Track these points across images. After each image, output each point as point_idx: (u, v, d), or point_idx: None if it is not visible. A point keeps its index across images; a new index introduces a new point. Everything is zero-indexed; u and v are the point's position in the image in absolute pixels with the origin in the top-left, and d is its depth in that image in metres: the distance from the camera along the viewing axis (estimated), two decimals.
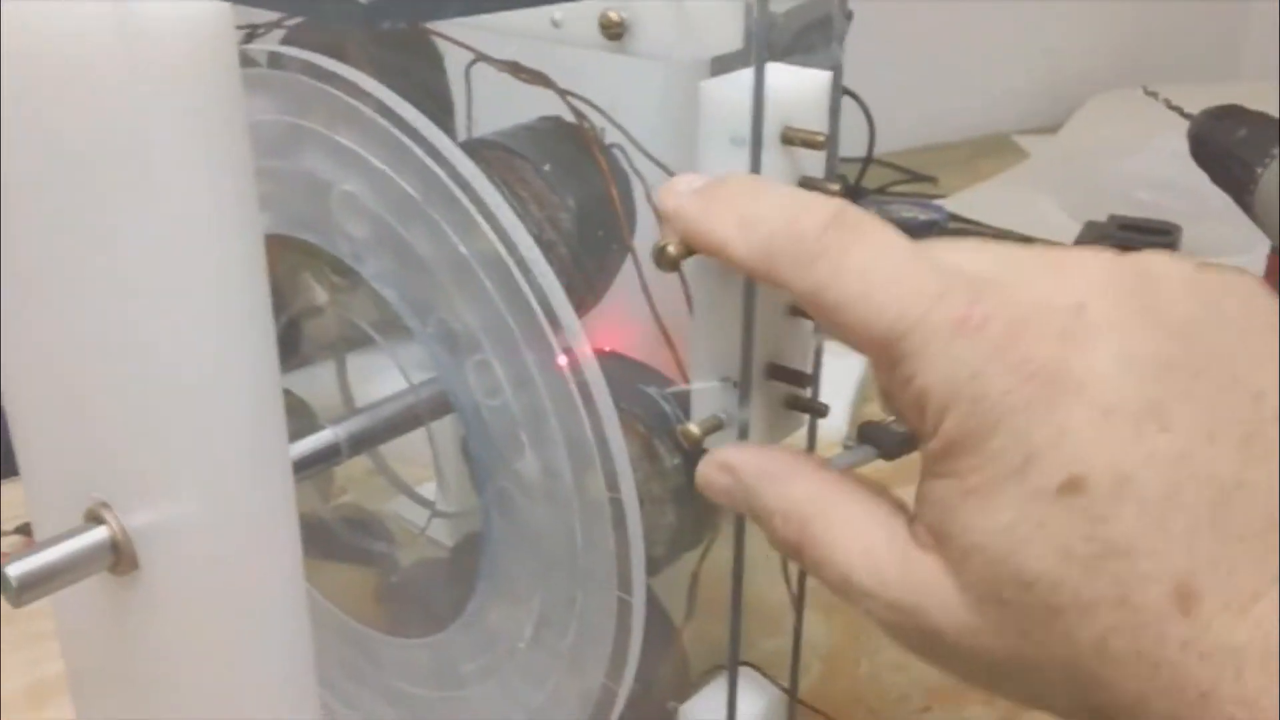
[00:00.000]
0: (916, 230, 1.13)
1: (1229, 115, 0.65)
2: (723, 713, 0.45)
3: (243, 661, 0.37)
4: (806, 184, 0.37)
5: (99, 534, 0.36)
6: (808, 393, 0.40)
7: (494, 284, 0.39)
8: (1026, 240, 1.10)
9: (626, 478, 0.39)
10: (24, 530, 0.76)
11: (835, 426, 0.57)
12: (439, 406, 0.46)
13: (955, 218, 1.20)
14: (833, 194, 0.35)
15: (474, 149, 0.45)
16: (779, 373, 0.39)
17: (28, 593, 0.34)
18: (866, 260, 0.31)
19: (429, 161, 0.39)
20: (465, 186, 0.39)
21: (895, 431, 0.67)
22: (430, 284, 0.41)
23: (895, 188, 1.25)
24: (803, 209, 0.32)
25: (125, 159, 0.30)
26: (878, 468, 0.50)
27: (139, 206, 0.31)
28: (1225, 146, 0.65)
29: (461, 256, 0.40)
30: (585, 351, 0.39)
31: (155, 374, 0.33)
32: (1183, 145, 0.82)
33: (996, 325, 0.29)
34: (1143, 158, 1.21)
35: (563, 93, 0.45)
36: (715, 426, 0.39)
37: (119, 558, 0.36)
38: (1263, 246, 0.92)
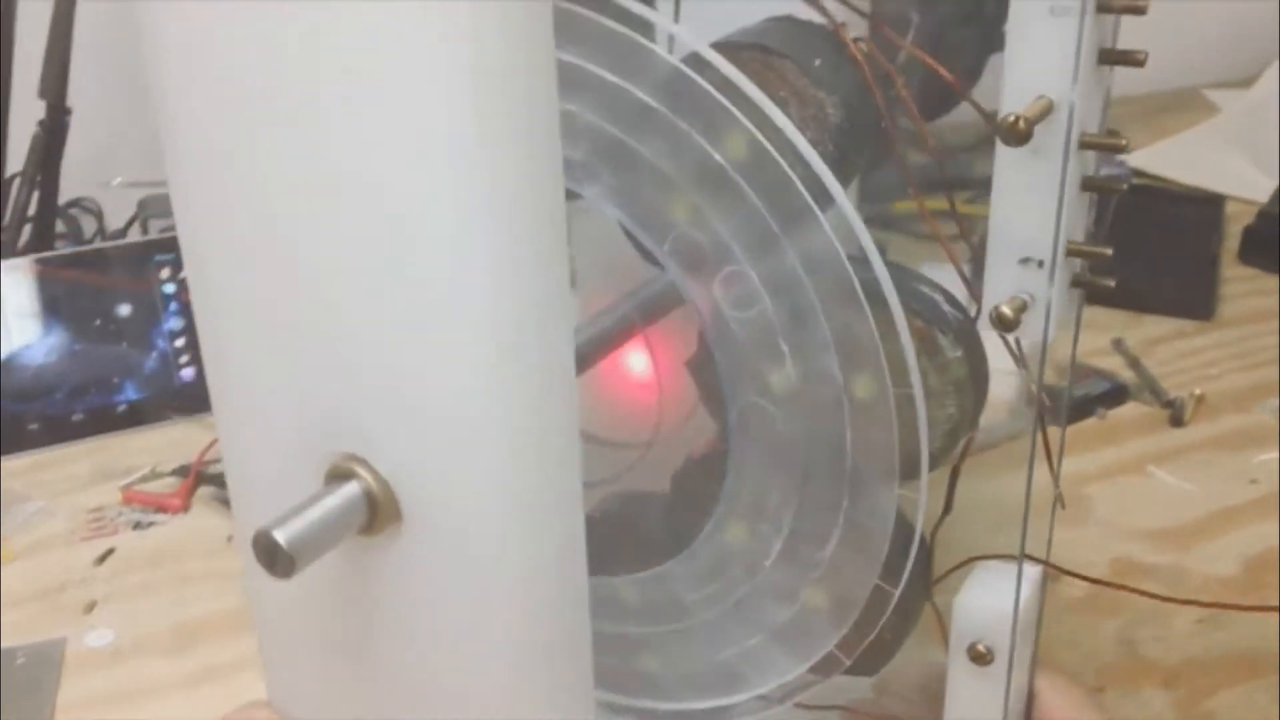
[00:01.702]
0: (1098, 184, 1.09)
1: None
2: (992, 600, 0.43)
3: (517, 634, 0.34)
4: (1088, 184, 0.39)
5: (352, 490, 0.33)
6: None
7: (757, 188, 0.39)
8: (1218, 198, 1.07)
9: (914, 370, 0.39)
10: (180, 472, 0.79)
11: (1005, 391, 0.55)
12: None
13: (1140, 173, 1.15)
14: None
15: (727, 51, 0.43)
16: (1075, 250, 0.39)
17: (302, 558, 0.31)
18: None
19: (682, 67, 0.38)
20: (724, 89, 0.38)
21: (1071, 397, 0.61)
22: (668, 199, 0.40)
23: None
24: None
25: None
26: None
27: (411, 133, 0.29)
28: None
29: (714, 164, 0.39)
30: (868, 243, 0.39)
31: (429, 311, 0.31)
32: None
33: None
34: None
35: None
36: (1023, 307, 0.39)
37: (375, 514, 0.33)
38: None
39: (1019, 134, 0.36)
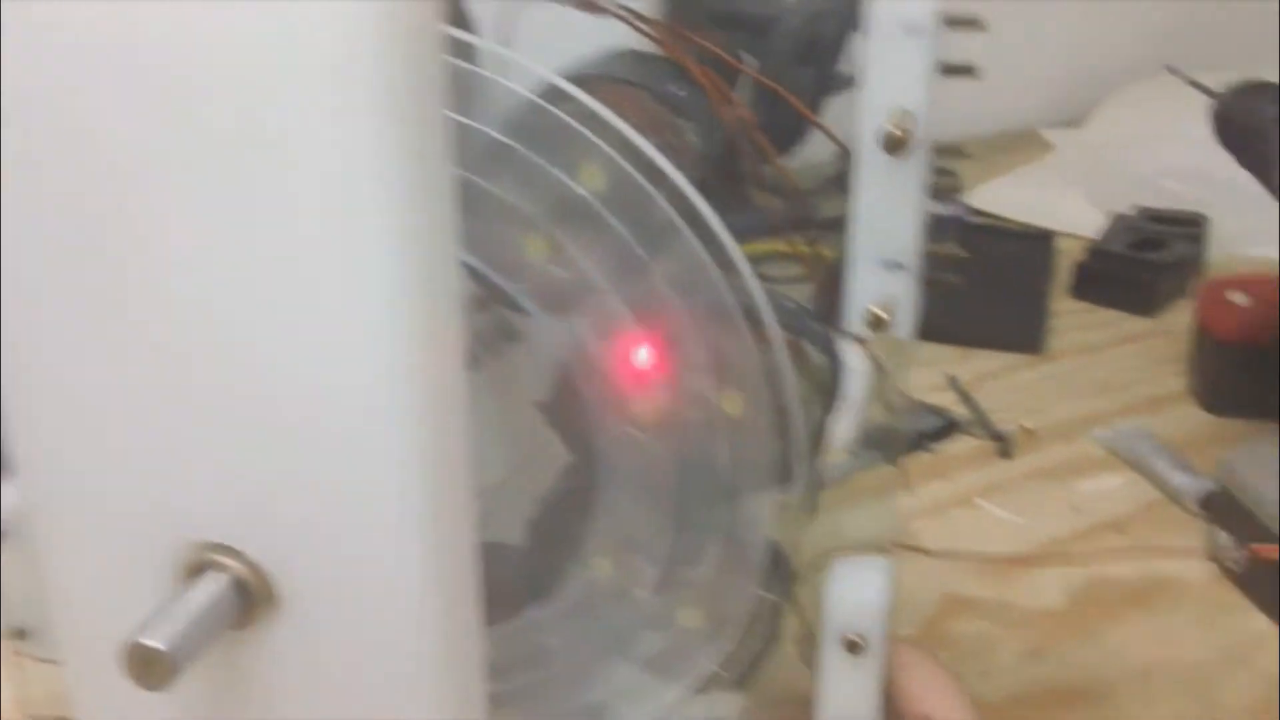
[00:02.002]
0: (935, 226, 1.11)
1: (1256, 92, 0.62)
2: (860, 592, 0.45)
3: (427, 704, 0.32)
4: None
5: (218, 580, 0.29)
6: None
7: (621, 216, 0.39)
8: (1048, 234, 1.09)
9: (789, 379, 0.41)
10: None
11: (842, 432, 0.56)
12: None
13: (977, 212, 1.17)
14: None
15: (577, 83, 0.42)
16: (930, 251, 0.43)
17: (183, 660, 0.28)
18: None
19: (535, 99, 0.38)
20: (578, 120, 0.38)
21: (899, 433, 0.65)
22: (525, 238, 0.40)
23: None
24: None
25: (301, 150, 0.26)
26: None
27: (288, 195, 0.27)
28: (1252, 125, 0.62)
29: (574, 197, 0.39)
30: (738, 257, 0.40)
31: (307, 378, 0.28)
32: (1211, 133, 0.80)
33: None
34: (1171, 147, 1.19)
35: (636, 17, 0.44)
36: (890, 307, 0.42)
37: (249, 604, 0.30)
38: None
39: (899, 142, 0.40)
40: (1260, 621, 0.67)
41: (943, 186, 0.43)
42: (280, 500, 0.29)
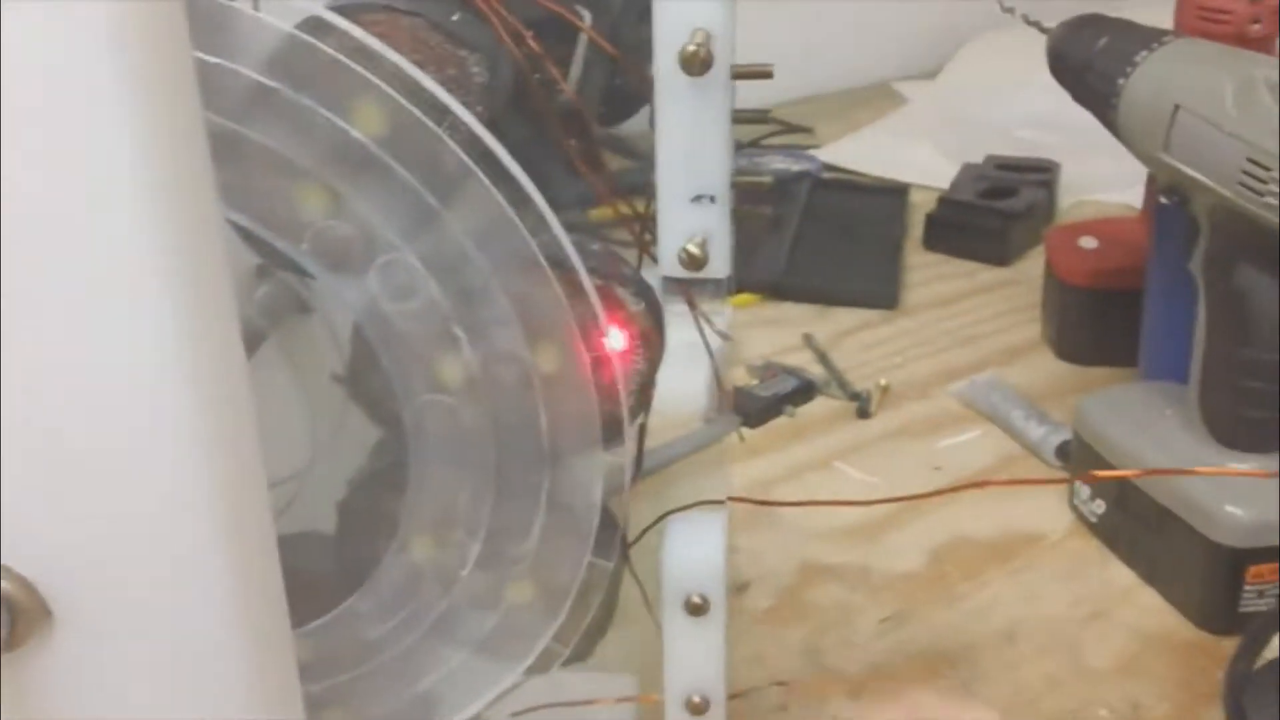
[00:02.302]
0: (789, 181, 1.08)
1: (1088, 24, 0.60)
2: (699, 550, 0.44)
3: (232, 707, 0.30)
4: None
5: None
6: None
7: (406, 161, 0.36)
8: (902, 188, 1.07)
9: (607, 330, 0.39)
10: None
11: (696, 399, 0.53)
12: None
13: (830, 167, 1.15)
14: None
15: (346, 14, 0.39)
16: (737, 182, 0.41)
17: None
18: None
19: (297, 33, 0.35)
20: (350, 57, 0.35)
21: (759, 397, 0.62)
22: (300, 190, 0.37)
23: (770, 140, 1.20)
24: None
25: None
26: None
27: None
28: (1085, 58, 0.60)
29: (352, 142, 0.36)
30: (539, 200, 0.37)
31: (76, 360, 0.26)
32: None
33: None
34: (1022, 96, 1.18)
35: None
36: (704, 242, 0.40)
37: (16, 621, 0.28)
38: (1143, 182, 0.88)
39: (701, 61, 0.37)
40: (1121, 573, 0.66)
41: (754, 74, 0.40)
42: (51, 510, 0.27)
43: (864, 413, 0.81)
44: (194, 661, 0.29)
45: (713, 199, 0.39)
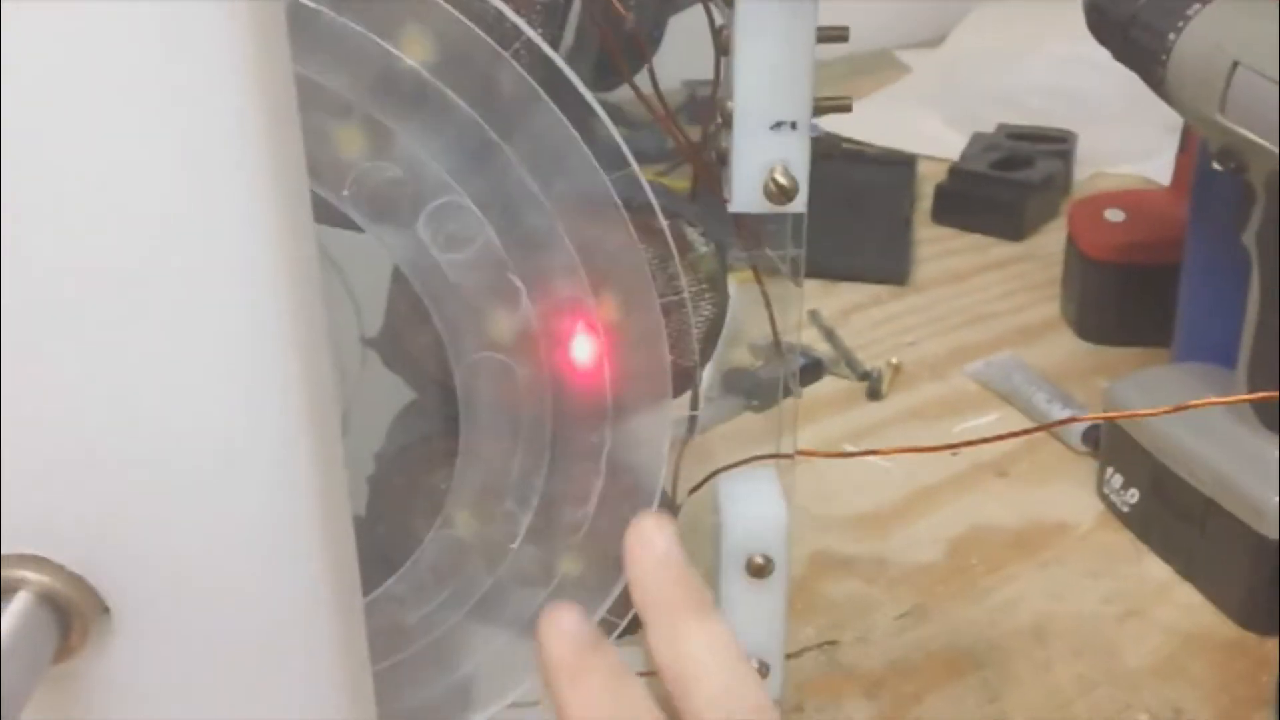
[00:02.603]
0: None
1: None
2: (761, 508, 0.42)
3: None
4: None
5: (23, 604, 0.25)
6: None
7: (462, 90, 0.33)
8: (909, 159, 1.03)
9: (676, 272, 0.37)
10: None
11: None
12: None
13: (834, 137, 1.10)
14: None
15: None
16: (819, 106, 0.38)
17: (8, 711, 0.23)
18: None
19: None
20: None
21: (763, 378, 0.57)
22: (340, 128, 0.34)
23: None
24: None
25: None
26: (752, 421, 0.46)
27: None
28: (1130, 11, 0.55)
29: (401, 70, 0.32)
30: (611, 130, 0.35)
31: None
32: (1075, 48, 0.73)
33: None
34: (1032, 63, 1.13)
35: None
36: (788, 175, 0.37)
37: (70, 622, 0.25)
38: (1168, 151, 0.84)
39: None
40: (1156, 567, 0.62)
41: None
42: (115, 489, 0.25)
43: (875, 393, 0.76)
44: (275, 657, 0.28)
45: (794, 125, 0.37)
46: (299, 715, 0.28)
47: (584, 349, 0.37)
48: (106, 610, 0.26)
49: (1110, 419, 0.63)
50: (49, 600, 0.25)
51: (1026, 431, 0.52)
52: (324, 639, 0.28)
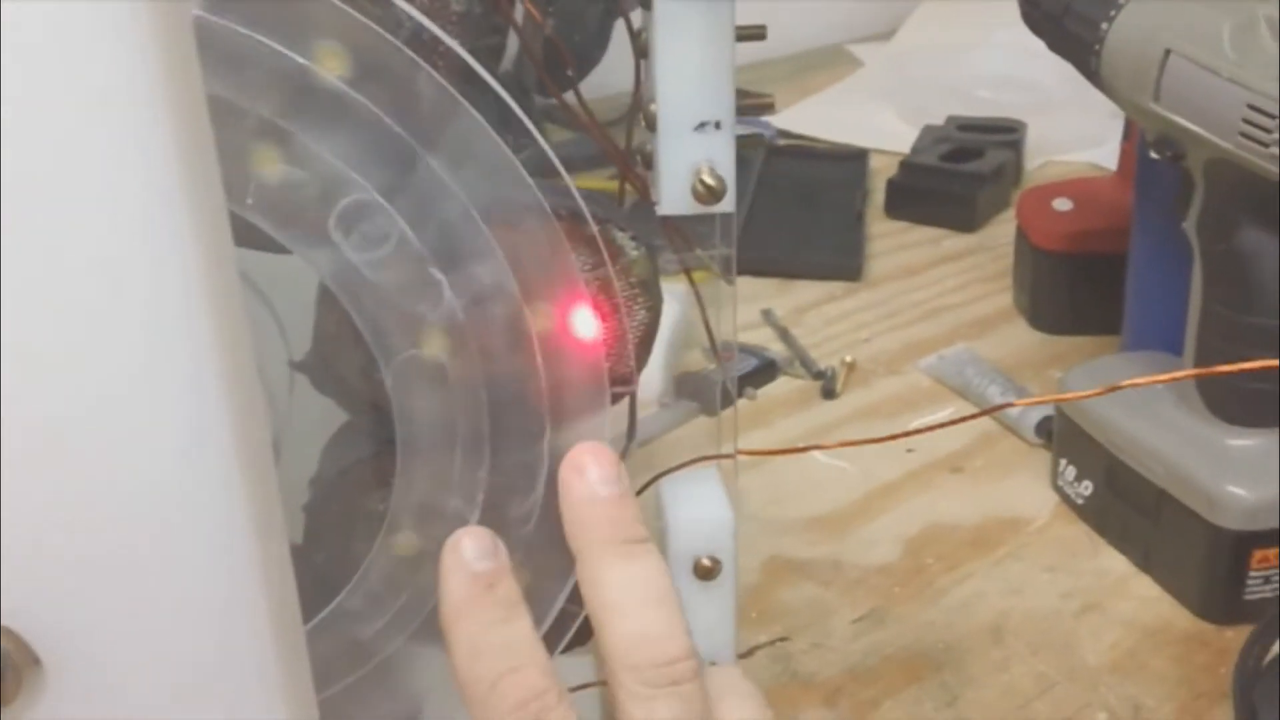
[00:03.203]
0: (741, 148, 1.03)
1: None
2: (706, 510, 0.41)
3: None
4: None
5: None
6: None
7: (373, 95, 0.33)
8: (861, 153, 1.02)
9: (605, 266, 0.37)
10: None
11: (649, 383, 0.48)
12: None
13: (785, 133, 1.10)
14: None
15: None
16: (741, 105, 0.38)
17: None
18: None
19: None
20: None
21: (714, 381, 0.57)
22: (239, 134, 0.33)
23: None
24: None
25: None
26: (701, 424, 0.46)
27: None
28: (1063, 3, 0.55)
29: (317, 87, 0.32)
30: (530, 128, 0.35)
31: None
32: (1023, 38, 0.73)
33: None
34: (981, 55, 1.13)
35: None
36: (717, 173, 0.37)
37: (4, 675, 0.26)
38: (1115, 137, 0.83)
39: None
40: (1113, 560, 0.61)
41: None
42: (46, 542, 0.25)
43: (829, 392, 0.76)
44: (215, 701, 0.27)
45: (718, 125, 0.36)
46: None
47: (514, 334, 0.37)
48: (38, 662, 0.26)
49: (1046, 401, 0.63)
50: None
51: (972, 416, 0.51)
52: (265, 678, 0.28)
